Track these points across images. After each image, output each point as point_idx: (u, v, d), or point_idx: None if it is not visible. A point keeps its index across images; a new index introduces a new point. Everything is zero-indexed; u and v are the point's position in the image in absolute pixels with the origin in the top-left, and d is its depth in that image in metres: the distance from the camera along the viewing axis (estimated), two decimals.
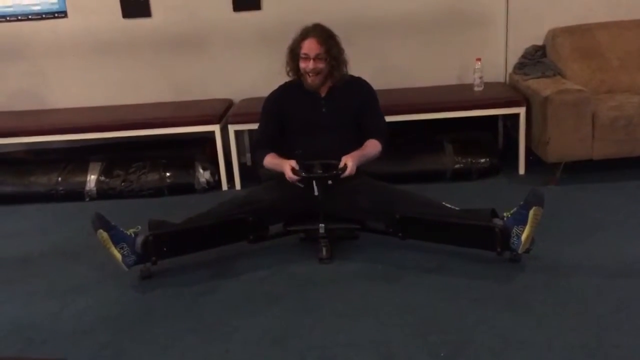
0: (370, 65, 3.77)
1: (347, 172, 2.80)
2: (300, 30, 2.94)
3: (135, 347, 2.37)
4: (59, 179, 4.03)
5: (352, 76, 3.06)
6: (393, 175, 3.52)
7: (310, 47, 2.87)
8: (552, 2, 4.07)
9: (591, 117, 3.48)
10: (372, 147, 2.96)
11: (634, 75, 3.90)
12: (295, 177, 2.83)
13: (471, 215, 2.79)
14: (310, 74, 2.91)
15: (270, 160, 2.99)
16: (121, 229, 2.79)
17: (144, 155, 4.12)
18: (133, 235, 2.81)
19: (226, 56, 4.30)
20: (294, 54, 2.94)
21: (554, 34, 4.03)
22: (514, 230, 2.60)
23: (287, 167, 2.85)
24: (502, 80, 4.23)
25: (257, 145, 3.15)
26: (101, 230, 2.70)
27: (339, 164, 2.83)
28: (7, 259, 3.19)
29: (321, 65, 2.89)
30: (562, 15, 4.06)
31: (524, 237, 2.55)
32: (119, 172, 4.03)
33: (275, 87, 3.11)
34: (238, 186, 4.01)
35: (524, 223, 2.55)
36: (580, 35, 3.98)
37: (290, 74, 3.01)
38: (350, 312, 2.48)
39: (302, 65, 2.91)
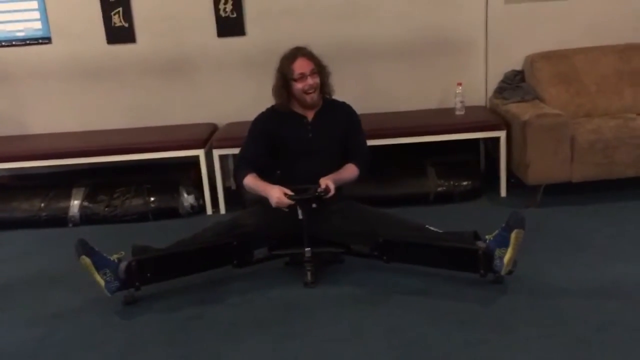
0: (354, 89, 3.82)
1: (330, 194, 2.83)
2: (284, 57, 2.98)
3: None
4: (42, 204, 4.00)
5: (336, 100, 3.10)
6: (377, 199, 3.55)
7: (303, 65, 2.92)
8: (530, 28, 4.17)
9: (570, 140, 3.55)
10: (350, 171, 3.01)
11: (611, 99, 4.00)
12: (285, 202, 2.84)
13: (454, 238, 2.82)
14: (310, 92, 2.95)
15: (253, 182, 2.98)
16: (104, 255, 2.77)
17: (128, 180, 4.12)
18: (116, 260, 2.80)
19: (210, 81, 4.33)
20: (286, 80, 2.96)
21: (533, 59, 4.13)
22: (497, 252, 2.64)
23: (275, 191, 2.86)
24: (482, 104, 4.30)
25: (239, 164, 3.14)
26: (84, 256, 2.69)
27: (317, 187, 2.85)
28: None
29: (317, 79, 2.96)
30: (540, 40, 4.16)
31: (506, 259, 2.58)
32: (102, 197, 4.02)
33: (260, 111, 3.14)
34: (222, 210, 4.01)
35: (506, 245, 2.59)
36: (558, 61, 4.08)
37: (277, 99, 3.02)
38: (336, 337, 2.48)
39: (299, 86, 2.94)
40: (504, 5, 4.14)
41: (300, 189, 2.87)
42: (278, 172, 3.00)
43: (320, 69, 2.97)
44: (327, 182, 2.85)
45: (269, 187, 2.91)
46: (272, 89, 3.02)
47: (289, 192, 2.84)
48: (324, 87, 3.01)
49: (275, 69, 3.01)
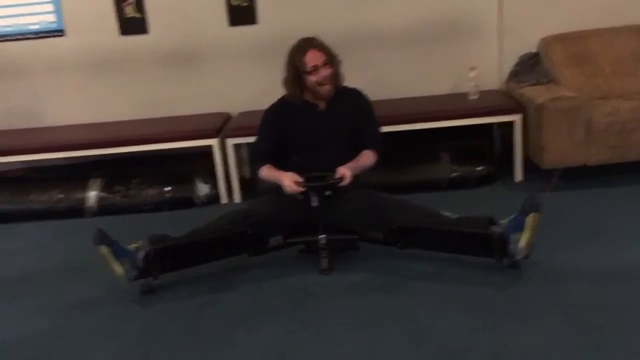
0: (366, 76, 3.79)
1: (345, 182, 2.82)
2: (294, 49, 2.94)
3: None
4: (59, 196, 4.05)
5: (347, 87, 3.09)
6: (390, 185, 3.54)
7: (315, 57, 2.90)
8: (544, 9, 4.11)
9: (585, 123, 3.51)
10: (366, 158, 2.99)
11: (626, 81, 3.94)
12: (297, 189, 2.85)
13: (469, 223, 2.81)
14: (324, 83, 2.93)
15: (267, 172, 3.02)
16: (122, 244, 2.80)
17: (144, 171, 4.15)
18: (135, 250, 2.83)
19: (223, 70, 4.33)
20: (298, 73, 2.92)
21: (547, 42, 4.07)
22: (512, 237, 2.62)
23: (287, 179, 2.87)
24: (496, 88, 4.26)
25: (254, 156, 3.18)
26: (102, 246, 2.72)
27: (332, 175, 2.85)
28: (7, 277, 3.21)
29: (330, 71, 2.93)
30: (554, 22, 4.10)
31: (522, 243, 2.57)
32: (119, 188, 4.06)
33: (273, 100, 3.14)
34: (237, 199, 4.03)
35: (522, 229, 2.58)
36: (573, 42, 4.02)
37: (292, 93, 2.99)
38: (350, 323, 2.49)
39: (312, 79, 2.92)
40: None
41: (316, 176, 2.87)
42: (296, 158, 2.99)
43: (331, 59, 2.94)
44: (344, 171, 2.84)
45: (282, 174, 2.92)
46: (283, 82, 3.01)
47: (299, 179, 2.85)
48: (336, 76, 3.00)
49: (285, 60, 2.98)
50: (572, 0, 4.09)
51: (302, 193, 2.88)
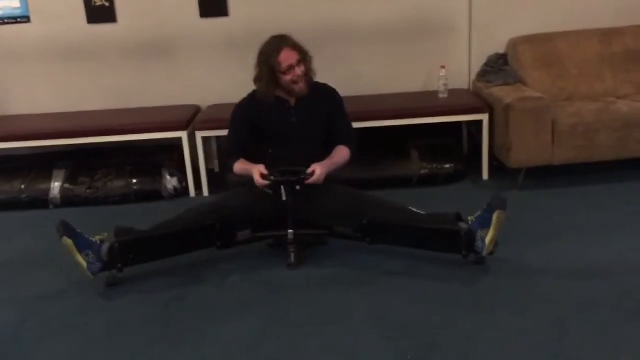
0: (338, 72, 3.81)
1: (313, 179, 2.82)
2: (267, 48, 2.91)
3: (103, 356, 2.34)
4: (22, 186, 3.95)
5: (318, 83, 3.08)
6: (360, 181, 3.56)
7: (290, 56, 2.88)
8: (513, 11, 4.18)
9: (551, 123, 3.58)
10: (341, 154, 2.99)
11: (592, 83, 4.03)
12: (263, 182, 2.84)
13: (437, 220, 2.85)
14: (299, 82, 2.92)
15: (240, 167, 3.01)
16: (86, 236, 2.76)
17: (110, 162, 4.08)
18: (99, 242, 2.79)
19: (193, 62, 4.29)
20: (273, 73, 2.89)
21: (515, 43, 4.14)
22: (479, 233, 2.67)
23: (256, 171, 2.86)
24: (466, 87, 4.32)
25: (228, 153, 3.16)
26: (66, 238, 2.67)
27: (305, 170, 2.85)
28: None
29: (303, 68, 2.92)
30: (523, 24, 4.17)
31: (488, 240, 2.61)
32: (84, 179, 3.98)
33: (243, 93, 3.12)
34: (206, 193, 3.99)
35: (488, 226, 2.62)
36: (541, 44, 4.10)
37: (266, 92, 2.96)
38: (319, 318, 2.50)
39: (287, 78, 2.90)
40: None
41: (289, 170, 2.86)
42: (270, 150, 2.98)
43: (304, 57, 2.94)
44: (316, 168, 2.84)
45: (253, 167, 2.91)
46: (256, 80, 2.97)
47: (265, 172, 2.84)
48: (308, 73, 2.99)
49: (257, 58, 2.94)
50: (540, 3, 4.17)
51: (271, 187, 2.87)
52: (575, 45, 4.08)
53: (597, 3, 4.18)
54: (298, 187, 2.87)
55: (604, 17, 4.17)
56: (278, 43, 2.91)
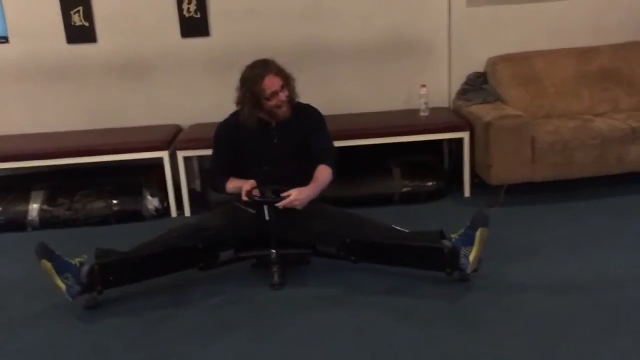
0: (319, 91, 3.82)
1: (285, 202, 2.80)
2: (250, 73, 2.91)
3: None
4: (0, 208, 3.88)
5: (300, 103, 3.09)
6: (343, 200, 3.57)
7: (274, 83, 2.89)
8: (492, 30, 4.25)
9: (530, 141, 3.63)
10: (323, 175, 2.97)
11: (569, 101, 4.10)
12: (244, 198, 2.83)
13: (421, 237, 2.85)
14: (283, 106, 2.92)
15: (233, 185, 2.99)
16: (65, 259, 2.71)
17: (90, 183, 4.03)
18: (78, 264, 2.74)
19: (175, 82, 4.27)
20: (257, 99, 2.89)
21: (494, 62, 4.21)
22: (462, 250, 2.67)
23: (247, 185, 2.86)
24: (446, 105, 4.36)
25: (213, 174, 3.14)
26: (44, 260, 2.63)
27: (279, 196, 2.82)
28: None
29: (287, 92, 2.93)
30: (501, 43, 4.24)
31: (471, 257, 2.62)
32: (63, 201, 3.92)
33: (224, 112, 3.11)
34: (187, 213, 3.96)
35: (471, 244, 2.63)
36: (518, 63, 4.17)
37: (249, 118, 2.96)
38: (304, 338, 2.48)
39: (272, 103, 2.90)
40: (466, 8, 4.20)
41: (276, 189, 2.85)
42: (252, 171, 2.97)
43: (288, 81, 2.95)
44: (293, 192, 2.80)
45: (245, 182, 2.90)
46: (238, 103, 2.97)
47: (248, 189, 2.84)
48: (291, 96, 2.99)
49: (240, 82, 2.94)
50: (518, 23, 4.25)
51: (254, 206, 2.85)
52: (553, 63, 4.16)
53: (574, 23, 4.27)
54: (281, 207, 2.86)
55: (580, 36, 4.26)
56: (262, 69, 2.90)
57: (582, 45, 4.23)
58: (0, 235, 3.80)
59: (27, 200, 3.92)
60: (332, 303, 2.73)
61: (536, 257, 3.04)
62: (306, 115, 3.08)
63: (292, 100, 2.99)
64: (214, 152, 3.12)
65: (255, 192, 2.87)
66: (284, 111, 2.95)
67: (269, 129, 3.01)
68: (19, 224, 3.85)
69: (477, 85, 4.22)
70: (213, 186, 3.20)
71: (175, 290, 2.91)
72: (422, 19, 4.23)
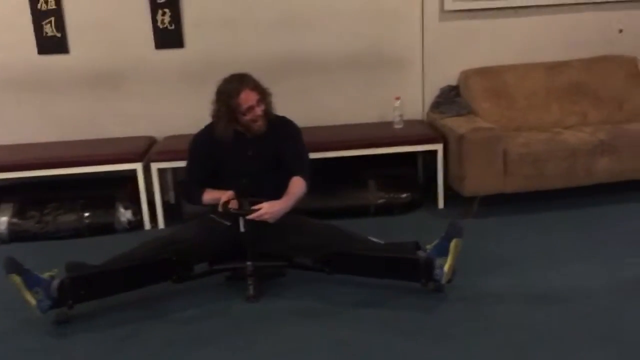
0: (295, 103, 3.83)
1: (253, 216, 2.79)
2: (226, 88, 2.91)
3: None
4: None
5: (276, 116, 3.09)
6: (319, 211, 3.56)
7: (249, 97, 2.88)
8: (464, 45, 4.32)
9: (502, 153, 3.69)
10: (297, 187, 2.96)
11: (540, 114, 4.18)
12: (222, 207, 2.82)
13: (396, 249, 2.87)
14: (258, 120, 2.92)
15: (210, 197, 2.97)
16: (35, 273, 2.65)
17: (61, 196, 3.96)
18: (49, 278, 2.69)
19: (148, 94, 4.24)
20: (232, 113, 2.89)
21: (466, 75, 4.27)
22: (437, 261, 2.69)
23: (224, 196, 2.86)
24: (420, 118, 4.40)
25: (188, 186, 3.12)
26: (13, 275, 2.57)
27: (251, 209, 2.82)
28: None
29: (263, 107, 2.93)
30: (474, 57, 4.31)
31: (446, 267, 2.64)
32: (33, 213, 3.84)
33: (199, 124, 3.10)
34: (161, 225, 3.91)
35: (446, 254, 2.65)
36: (491, 76, 4.24)
37: (224, 131, 2.95)
38: (280, 350, 2.46)
39: (248, 118, 2.90)
40: (439, 23, 4.27)
41: (251, 201, 2.84)
42: (226, 185, 2.95)
43: (264, 96, 2.95)
44: (264, 205, 2.80)
45: (222, 193, 2.89)
46: (214, 117, 2.96)
47: (225, 200, 2.84)
48: (267, 110, 2.99)
49: (215, 94, 2.93)
50: (490, 38, 4.33)
51: (229, 218, 2.84)
52: (524, 77, 4.24)
53: (543, 38, 4.36)
54: (252, 220, 2.85)
55: (550, 51, 4.35)
56: (238, 83, 2.90)
57: (552, 59, 4.33)
58: None
59: None
60: (308, 316, 2.72)
61: (511, 268, 3.07)
62: (281, 127, 3.08)
63: (268, 115, 2.99)
64: (189, 164, 3.10)
65: (233, 204, 2.85)
66: (259, 125, 2.95)
67: (244, 140, 3.01)
68: None
69: (450, 98, 4.28)
70: (188, 198, 3.18)
71: (148, 303, 2.87)
72: (396, 33, 4.28)
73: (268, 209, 2.79)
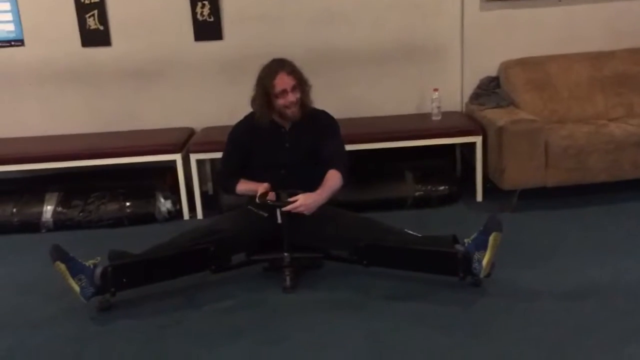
0: (333, 95, 3.83)
1: (288, 207, 2.80)
2: (265, 70, 2.93)
3: None
4: (14, 209, 3.91)
5: (315, 109, 3.09)
6: (355, 204, 3.56)
7: (284, 81, 2.89)
8: (505, 35, 4.23)
9: (544, 146, 3.61)
10: (333, 180, 2.96)
11: (583, 106, 4.07)
12: (258, 199, 2.84)
13: (433, 242, 2.84)
14: (292, 107, 2.93)
15: (244, 186, 3.00)
16: (79, 261, 2.73)
17: (103, 185, 4.05)
18: (92, 266, 2.76)
19: (188, 85, 4.30)
20: (266, 93, 2.91)
21: (507, 66, 4.19)
22: (475, 255, 2.66)
23: (261, 187, 2.87)
24: (458, 109, 4.35)
25: (223, 175, 3.16)
26: (59, 262, 2.65)
27: (289, 201, 2.83)
28: None
29: (298, 95, 2.93)
30: (514, 47, 4.22)
31: (484, 262, 2.61)
32: (77, 203, 3.95)
33: (237, 115, 3.13)
34: (200, 215, 3.97)
35: (485, 248, 2.61)
36: (532, 67, 4.14)
37: (260, 114, 2.98)
38: (315, 342, 2.47)
39: (281, 102, 2.91)
40: (479, 12, 4.20)
41: (289, 192, 2.85)
42: (261, 176, 2.97)
43: (301, 84, 2.95)
44: (300, 197, 2.80)
45: (258, 185, 2.92)
46: (252, 101, 2.99)
47: (262, 192, 2.85)
48: (304, 101, 3.00)
49: (256, 79, 2.96)
50: (532, 26, 4.23)
51: (266, 209, 2.86)
52: (567, 68, 4.13)
53: (588, 27, 4.24)
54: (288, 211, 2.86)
55: (594, 41, 4.23)
56: (276, 67, 2.92)
57: (597, 49, 4.21)
58: (15, 236, 3.83)
59: (41, 202, 3.95)
60: (344, 308, 2.73)
61: (550, 263, 3.01)
62: (320, 121, 3.08)
63: (305, 105, 2.99)
64: (225, 152, 3.13)
65: (271, 196, 2.87)
66: (292, 112, 2.95)
67: (281, 132, 3.02)
68: (33, 226, 3.87)
69: (490, 89, 4.20)
70: (223, 187, 3.22)
71: (186, 293, 2.92)
72: (435, 23, 4.23)
73: (303, 201, 2.80)
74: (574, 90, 4.09)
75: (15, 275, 3.25)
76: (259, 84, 2.94)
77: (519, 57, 4.20)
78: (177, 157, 3.92)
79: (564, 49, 4.21)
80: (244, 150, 3.04)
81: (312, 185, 2.89)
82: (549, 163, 3.62)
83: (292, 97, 2.91)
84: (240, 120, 3.10)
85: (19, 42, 4.21)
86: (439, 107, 4.11)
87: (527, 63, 4.17)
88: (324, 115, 3.10)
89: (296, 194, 2.83)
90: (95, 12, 4.15)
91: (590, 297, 2.68)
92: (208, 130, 4.22)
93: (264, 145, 3.01)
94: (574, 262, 3.01)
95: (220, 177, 3.27)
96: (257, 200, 2.87)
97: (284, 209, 2.81)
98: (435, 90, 4.11)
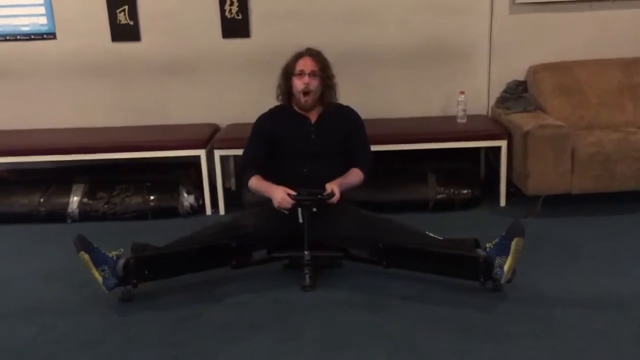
0: (358, 95, 3.81)
1: (333, 199, 2.82)
2: (295, 53, 2.99)
3: None
4: (41, 199, 3.99)
5: (341, 105, 3.10)
6: (377, 204, 3.55)
7: (305, 63, 2.92)
8: (533, 38, 4.19)
9: (570, 152, 3.56)
10: (355, 176, 2.98)
11: (612, 112, 4.01)
12: (286, 204, 2.83)
13: (455, 245, 2.83)
14: (304, 93, 2.94)
15: (257, 183, 3.01)
16: (103, 251, 2.77)
17: (128, 178, 4.11)
18: (115, 257, 2.80)
19: (214, 82, 4.33)
20: (287, 73, 2.96)
21: (535, 70, 4.14)
22: (497, 260, 2.64)
23: (279, 192, 2.86)
24: (484, 113, 4.31)
25: (243, 166, 3.17)
26: (83, 252, 2.69)
27: (322, 192, 2.85)
28: None
29: (315, 82, 2.93)
30: (543, 51, 4.17)
31: (506, 267, 2.58)
32: (102, 194, 4.01)
33: (261, 112, 3.14)
34: (222, 211, 4.00)
35: (506, 254, 2.59)
36: (561, 72, 4.09)
37: (280, 98, 3.03)
38: (332, 341, 2.48)
39: (296, 82, 2.93)
40: (509, 15, 4.16)
41: (306, 191, 2.87)
42: (282, 168, 2.98)
43: (323, 73, 2.96)
44: (333, 187, 2.84)
45: (273, 187, 2.91)
46: (277, 86, 3.04)
47: (292, 192, 2.84)
48: (325, 93, 3.00)
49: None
50: (561, 31, 4.18)
51: (289, 208, 2.87)
52: (596, 74, 4.07)
53: (617, 33, 4.17)
54: (315, 209, 2.87)
55: (624, 47, 4.16)
56: (304, 51, 2.97)
57: (627, 56, 4.14)
58: (41, 225, 3.90)
59: (68, 192, 4.02)
60: (362, 308, 2.73)
61: (573, 271, 2.98)
62: (346, 116, 3.10)
63: (324, 96, 2.99)
64: (248, 142, 3.13)
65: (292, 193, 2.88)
66: (306, 100, 2.96)
67: (307, 124, 3.03)
68: (59, 216, 3.95)
69: (517, 93, 4.16)
70: (241, 178, 3.23)
71: (207, 287, 2.95)
72: (463, 25, 4.20)
73: (338, 189, 2.82)
74: (603, 96, 4.03)
75: (41, 264, 3.31)
76: (285, 66, 2.98)
77: (547, 62, 4.15)
78: (202, 153, 3.96)
79: (594, 55, 4.15)
80: (268, 138, 3.03)
81: (332, 178, 2.90)
82: (575, 170, 3.58)
83: (308, 80, 2.91)
84: (266, 111, 3.12)
85: (51, 36, 4.29)
86: (464, 110, 4.08)
87: (556, 68, 4.11)
88: (350, 111, 3.12)
89: (317, 193, 2.83)
90: (126, 7, 4.21)
91: (611, 306, 2.64)
92: (232, 126, 4.25)
93: (290, 135, 3.02)
94: (596, 270, 2.97)
95: (240, 170, 3.29)
96: (276, 205, 2.86)
97: (331, 201, 2.81)
98: (462, 93, 4.08)
